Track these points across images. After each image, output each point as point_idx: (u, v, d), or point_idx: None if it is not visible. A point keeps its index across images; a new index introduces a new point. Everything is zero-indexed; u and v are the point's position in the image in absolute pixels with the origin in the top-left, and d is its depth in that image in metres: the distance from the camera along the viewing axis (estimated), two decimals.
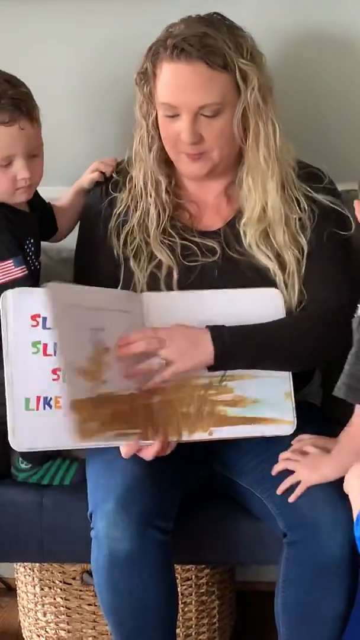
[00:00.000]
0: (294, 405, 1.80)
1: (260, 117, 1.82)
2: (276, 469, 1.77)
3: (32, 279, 1.84)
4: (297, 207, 1.86)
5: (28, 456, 1.91)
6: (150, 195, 1.88)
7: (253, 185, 1.85)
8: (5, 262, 1.80)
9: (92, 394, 1.68)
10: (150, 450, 1.73)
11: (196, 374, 1.77)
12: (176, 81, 1.78)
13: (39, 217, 1.94)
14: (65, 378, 1.66)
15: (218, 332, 1.76)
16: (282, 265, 1.86)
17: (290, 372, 1.81)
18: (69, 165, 2.06)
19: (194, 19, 1.81)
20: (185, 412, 1.77)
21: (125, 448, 1.73)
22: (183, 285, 1.85)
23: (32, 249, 1.88)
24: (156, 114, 1.84)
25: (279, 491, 1.74)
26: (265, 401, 1.79)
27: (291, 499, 1.73)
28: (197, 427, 1.77)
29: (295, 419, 1.80)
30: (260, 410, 1.79)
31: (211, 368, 1.77)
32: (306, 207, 1.86)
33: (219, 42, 1.77)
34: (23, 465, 1.93)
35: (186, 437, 1.77)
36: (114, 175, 1.94)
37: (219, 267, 1.87)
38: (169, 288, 1.85)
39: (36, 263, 1.89)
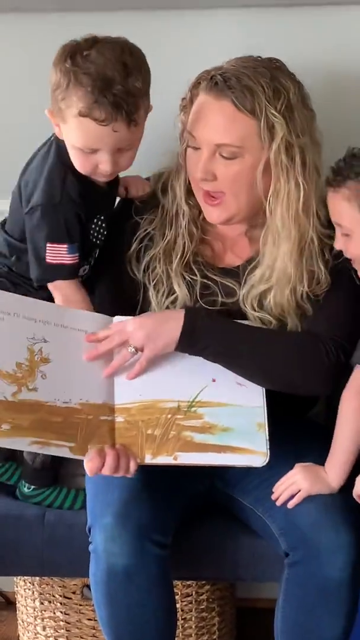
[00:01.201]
0: (267, 437, 1.75)
1: (282, 174, 1.74)
2: (275, 497, 1.76)
3: (89, 257, 1.84)
4: (311, 280, 1.79)
5: (33, 475, 1.92)
6: (180, 226, 1.85)
7: (270, 241, 1.79)
8: (61, 245, 1.77)
9: (9, 398, 1.67)
10: (91, 465, 1.68)
11: (165, 399, 1.74)
12: (202, 113, 1.75)
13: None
14: None
15: (193, 311, 1.75)
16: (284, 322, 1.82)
17: (265, 404, 1.75)
18: None
19: (250, 58, 1.77)
20: (150, 434, 1.74)
21: (88, 464, 1.69)
22: None
23: (102, 225, 1.84)
24: (186, 145, 1.81)
25: (279, 502, 1.74)
26: (236, 430, 1.74)
27: (290, 504, 1.73)
28: (162, 450, 1.73)
29: (269, 451, 1.74)
30: (230, 438, 1.74)
31: (179, 346, 1.74)
32: (322, 277, 1.79)
33: (255, 86, 1.71)
34: (26, 490, 1.94)
35: (149, 460, 1.72)
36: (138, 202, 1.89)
37: (236, 311, 1.83)
38: None
39: (101, 238, 1.87)
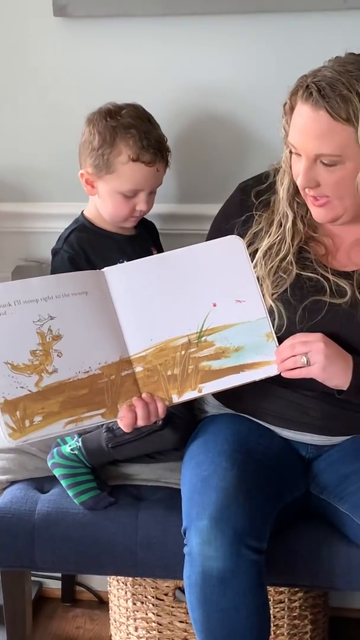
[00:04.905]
0: (277, 344, 1.79)
1: None
2: None
3: None
4: None
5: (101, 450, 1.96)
6: (281, 225, 1.86)
7: None
8: None
9: (32, 389, 1.69)
10: (125, 421, 1.74)
11: (174, 337, 1.78)
12: (300, 124, 1.75)
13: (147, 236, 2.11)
14: None
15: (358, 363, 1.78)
16: None
17: (267, 313, 1.79)
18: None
19: (348, 58, 1.76)
20: (170, 375, 1.78)
21: (122, 422, 1.74)
22: (308, 324, 1.82)
23: None
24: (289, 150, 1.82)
25: None
26: (248, 347, 1.79)
27: None
28: (186, 387, 1.78)
29: None
30: (245, 356, 1.79)
31: (346, 394, 1.79)
32: None
33: (350, 94, 1.70)
34: (68, 450, 1.96)
35: (176, 400, 1.78)
36: (253, 199, 1.91)
37: (345, 312, 1.83)
38: (292, 323, 1.82)
39: None
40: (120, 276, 1.80)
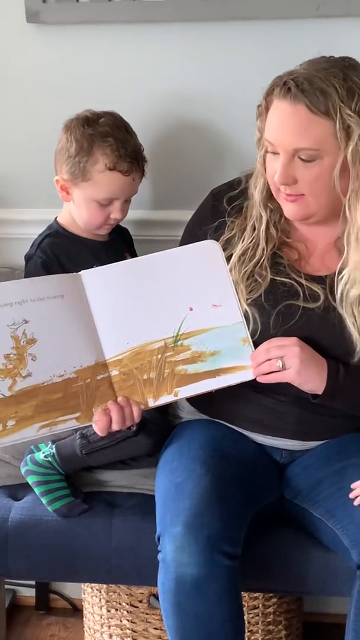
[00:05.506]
0: (253, 348, 1.80)
1: None
2: (354, 496, 1.75)
3: None
4: None
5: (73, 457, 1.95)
6: (259, 230, 1.86)
7: (354, 243, 1.79)
8: None
9: (6, 393, 1.69)
10: (99, 425, 1.75)
11: (151, 341, 1.78)
12: (278, 120, 1.76)
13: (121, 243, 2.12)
14: None
15: (334, 368, 1.79)
16: None
17: (243, 318, 1.80)
18: None
19: (322, 59, 1.77)
20: (146, 378, 1.78)
21: (97, 426, 1.75)
22: (282, 329, 1.82)
23: None
24: (265, 150, 1.82)
25: (357, 503, 1.74)
26: (224, 351, 1.80)
27: (357, 502, 1.73)
28: (162, 391, 1.78)
29: None
30: (221, 361, 1.80)
31: (319, 399, 1.80)
32: None
33: (328, 87, 1.71)
34: (42, 457, 1.95)
35: (152, 403, 1.78)
36: (225, 205, 1.91)
37: (318, 316, 1.83)
38: (266, 328, 1.83)
39: None
40: (96, 279, 1.79)
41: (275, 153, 1.78)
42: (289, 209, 1.82)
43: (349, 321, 1.80)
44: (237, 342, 1.81)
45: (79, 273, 1.80)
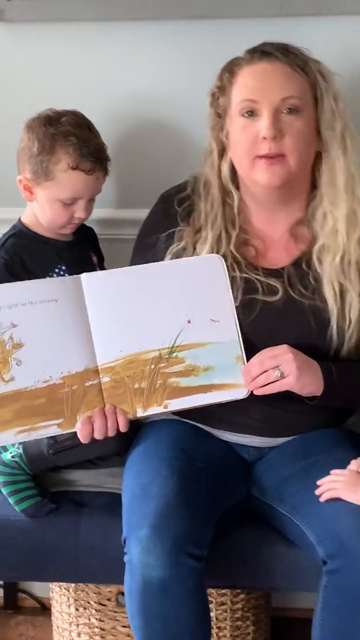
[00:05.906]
0: None
1: (336, 126, 1.82)
2: (320, 492, 1.77)
3: None
4: None
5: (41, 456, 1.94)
6: (213, 226, 1.87)
7: (328, 207, 1.84)
8: None
9: None
10: (82, 432, 1.74)
11: (146, 350, 1.78)
12: (257, 78, 1.81)
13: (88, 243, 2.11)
14: None
15: (327, 368, 1.79)
16: (343, 313, 1.84)
17: (239, 336, 1.80)
18: None
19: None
20: (137, 388, 1.77)
21: (79, 433, 1.75)
22: (245, 323, 1.83)
23: (65, 274, 1.98)
24: (227, 130, 1.84)
25: (322, 499, 1.75)
26: (217, 367, 1.79)
27: (322, 498, 1.74)
28: (152, 401, 1.78)
29: None
30: (213, 376, 1.79)
31: (318, 400, 1.81)
32: None
33: (300, 51, 1.82)
34: (9, 457, 1.94)
35: (141, 413, 1.78)
36: (176, 207, 1.93)
37: (278, 309, 1.85)
38: None
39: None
40: (97, 283, 1.79)
41: (253, 115, 1.81)
42: (269, 174, 1.82)
43: (329, 294, 1.82)
44: (231, 360, 1.80)
45: (79, 275, 1.79)
